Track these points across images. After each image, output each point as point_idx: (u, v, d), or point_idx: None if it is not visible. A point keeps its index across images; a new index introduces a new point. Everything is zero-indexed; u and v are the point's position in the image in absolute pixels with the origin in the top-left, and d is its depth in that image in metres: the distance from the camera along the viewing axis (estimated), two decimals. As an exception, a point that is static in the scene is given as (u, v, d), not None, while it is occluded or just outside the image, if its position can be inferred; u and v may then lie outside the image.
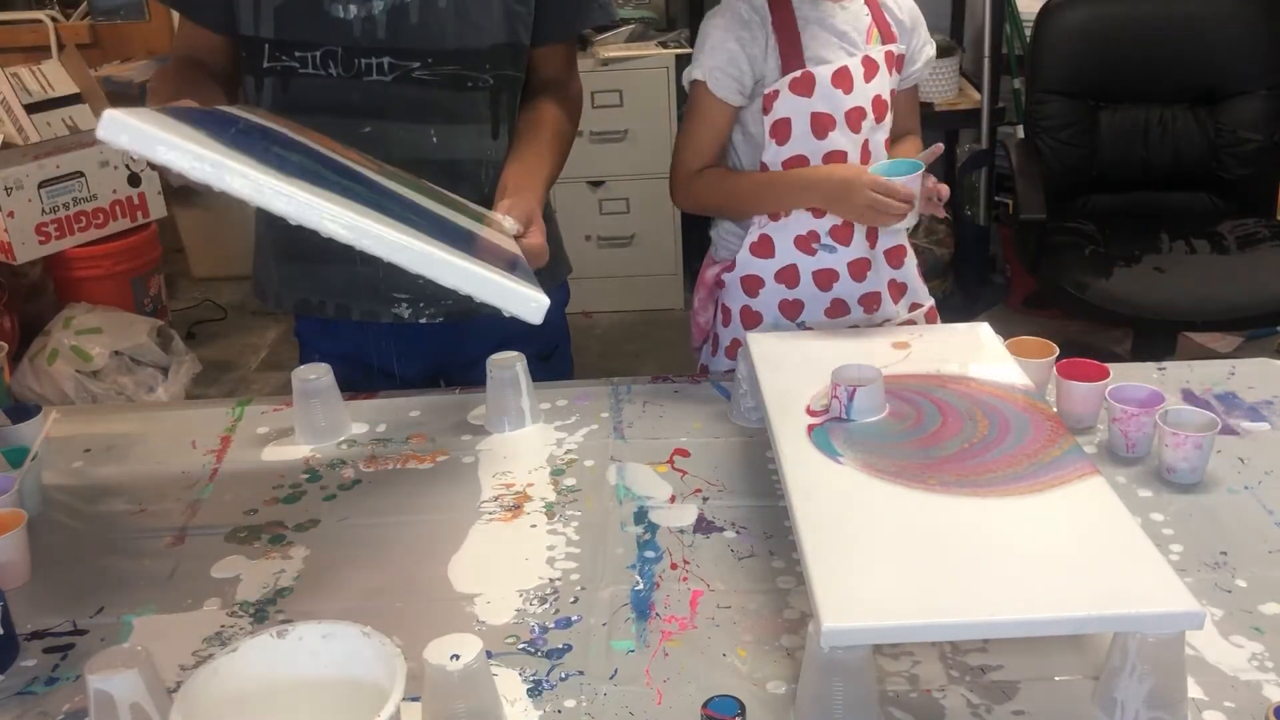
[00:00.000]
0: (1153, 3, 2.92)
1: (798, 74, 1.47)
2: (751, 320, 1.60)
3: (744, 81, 1.49)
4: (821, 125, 1.50)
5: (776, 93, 1.48)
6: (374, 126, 1.38)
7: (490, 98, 1.43)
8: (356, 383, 1.51)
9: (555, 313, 1.56)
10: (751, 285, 1.59)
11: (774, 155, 1.52)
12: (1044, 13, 2.93)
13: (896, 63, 1.55)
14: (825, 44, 1.50)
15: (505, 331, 1.41)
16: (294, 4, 1.34)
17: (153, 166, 1.06)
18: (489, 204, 1.36)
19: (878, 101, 1.53)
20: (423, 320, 1.50)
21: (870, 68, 1.51)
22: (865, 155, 1.53)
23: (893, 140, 1.60)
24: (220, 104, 1.29)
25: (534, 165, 1.42)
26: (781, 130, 1.50)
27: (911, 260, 1.62)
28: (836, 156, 1.52)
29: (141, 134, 0.94)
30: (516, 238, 1.29)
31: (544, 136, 1.46)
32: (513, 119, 1.47)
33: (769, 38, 1.48)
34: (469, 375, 1.52)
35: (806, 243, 1.55)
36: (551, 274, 1.47)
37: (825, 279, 1.56)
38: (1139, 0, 2.93)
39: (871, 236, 1.56)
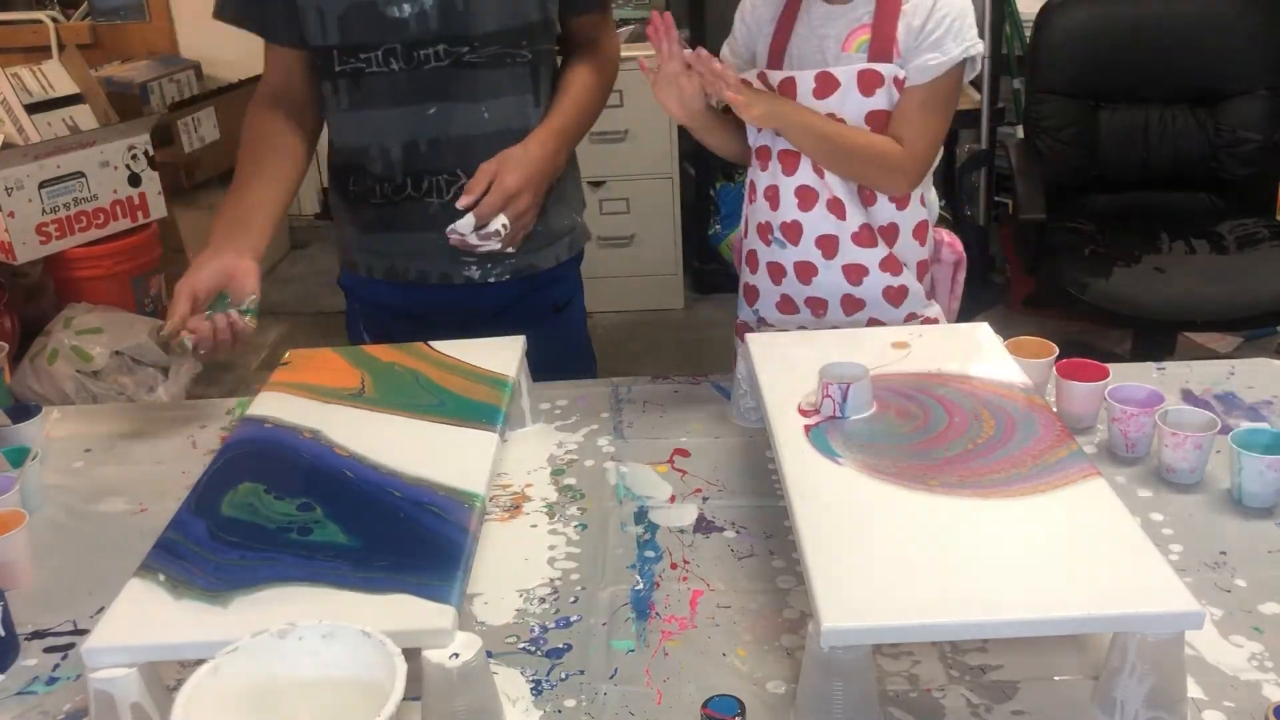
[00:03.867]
0: (1153, 3, 2.92)
1: (754, 73, 1.50)
2: (746, 290, 1.63)
3: (740, 55, 1.56)
4: None
5: (748, 83, 1.48)
6: (437, 108, 1.51)
7: (530, 71, 1.55)
8: (396, 332, 1.58)
9: (571, 267, 1.71)
10: (738, 259, 1.65)
11: (753, 137, 1.56)
12: (1044, 13, 2.93)
13: (895, 83, 1.44)
14: (806, 43, 1.48)
15: (530, 283, 1.64)
16: (354, 11, 1.47)
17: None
18: None
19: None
20: (491, 280, 1.61)
21: (826, 84, 1.45)
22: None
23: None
24: (293, 157, 1.54)
25: (545, 123, 1.56)
26: None
27: (909, 274, 1.53)
28: (788, 158, 1.49)
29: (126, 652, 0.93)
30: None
31: (565, 93, 1.60)
32: (550, 87, 1.60)
33: (775, 20, 1.50)
34: (495, 324, 1.55)
35: (764, 232, 1.55)
36: (569, 239, 1.68)
37: (776, 272, 1.56)
38: (1139, 0, 2.93)
39: (826, 245, 1.51)
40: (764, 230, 1.55)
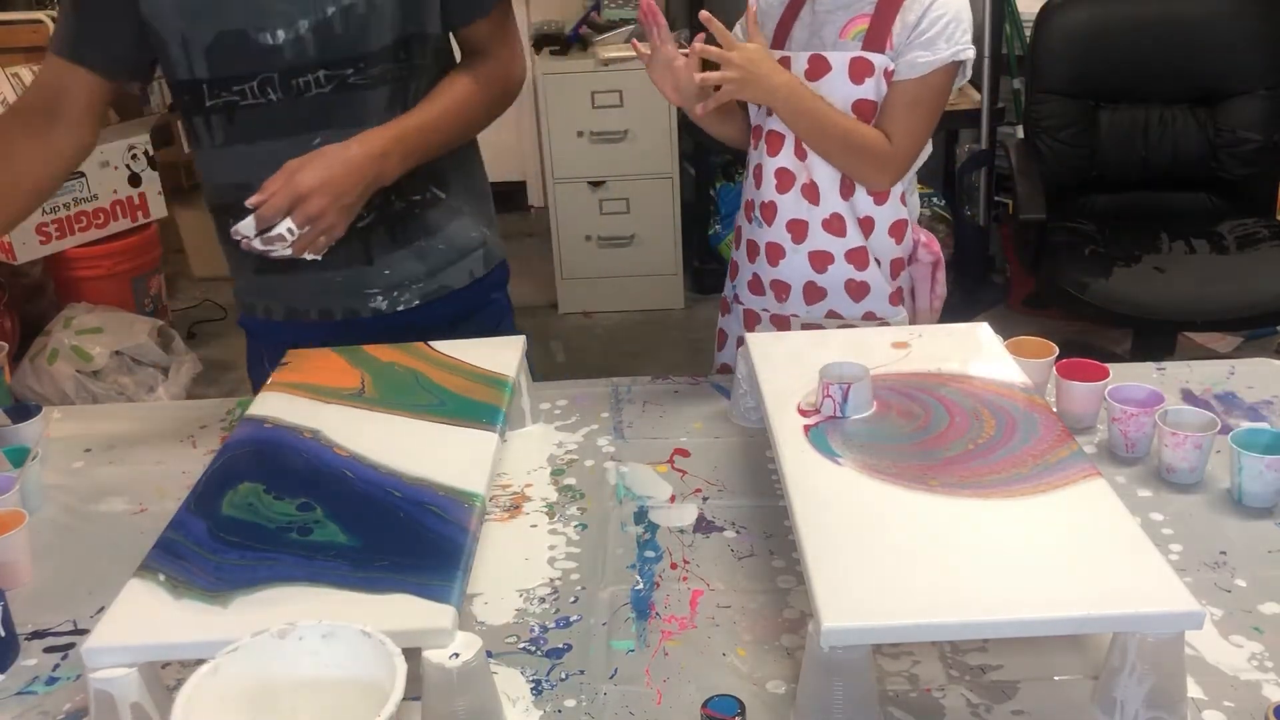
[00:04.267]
0: (1153, 3, 2.92)
1: None
2: (731, 265, 1.70)
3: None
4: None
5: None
6: (322, 137, 1.39)
7: (403, 85, 1.44)
8: None
9: (493, 288, 1.62)
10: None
11: (752, 115, 1.59)
12: (1044, 13, 2.93)
13: (885, 74, 1.45)
14: (808, 26, 1.51)
15: (447, 306, 1.54)
16: (222, 41, 1.37)
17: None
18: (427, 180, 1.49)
19: None
20: (400, 308, 1.53)
21: (817, 67, 1.48)
22: (800, 148, 1.51)
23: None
24: (30, 169, 1.44)
25: (389, 123, 1.40)
26: None
27: (876, 271, 1.54)
28: (774, 139, 1.53)
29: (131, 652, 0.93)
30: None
31: (430, 99, 1.45)
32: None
33: (785, 2, 1.53)
34: None
35: (749, 210, 1.61)
36: (482, 253, 1.58)
37: (752, 251, 1.61)
38: (1139, 0, 2.93)
39: (796, 229, 1.54)
40: (749, 208, 1.60)
